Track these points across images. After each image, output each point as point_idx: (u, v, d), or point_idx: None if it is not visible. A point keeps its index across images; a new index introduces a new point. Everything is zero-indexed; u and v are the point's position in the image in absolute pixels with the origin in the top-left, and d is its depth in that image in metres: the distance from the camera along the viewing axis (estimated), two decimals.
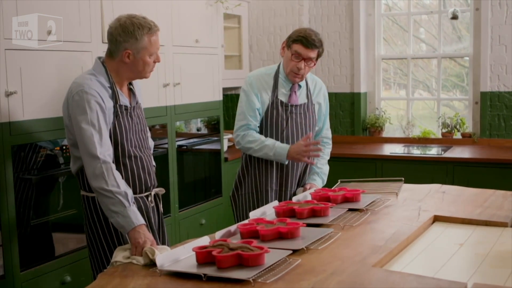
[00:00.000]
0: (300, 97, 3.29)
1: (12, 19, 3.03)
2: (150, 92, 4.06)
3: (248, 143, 3.21)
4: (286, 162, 3.21)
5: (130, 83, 2.75)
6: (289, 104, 3.24)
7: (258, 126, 3.26)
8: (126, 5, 3.69)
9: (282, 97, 3.24)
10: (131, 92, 2.74)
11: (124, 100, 2.65)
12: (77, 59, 3.43)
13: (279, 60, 3.33)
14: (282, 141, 3.22)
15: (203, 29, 4.75)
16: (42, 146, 3.28)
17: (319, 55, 3.18)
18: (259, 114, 3.24)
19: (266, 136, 3.24)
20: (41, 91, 3.23)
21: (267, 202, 3.18)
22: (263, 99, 3.23)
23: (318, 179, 3.35)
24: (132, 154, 2.66)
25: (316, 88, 3.38)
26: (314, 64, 3.20)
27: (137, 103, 2.74)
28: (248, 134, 3.22)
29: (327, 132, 3.49)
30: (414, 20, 6.21)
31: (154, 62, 2.66)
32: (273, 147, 3.15)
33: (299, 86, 3.29)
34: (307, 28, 3.23)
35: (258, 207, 3.15)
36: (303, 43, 3.11)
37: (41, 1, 3.19)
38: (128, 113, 2.65)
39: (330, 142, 3.51)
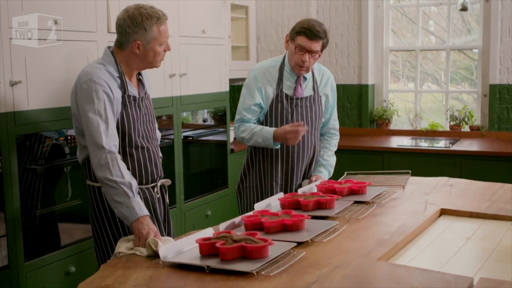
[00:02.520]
0: (306, 90, 3.24)
1: (17, 9, 3.01)
2: (156, 83, 4.04)
3: (241, 133, 3.20)
4: (277, 146, 3.15)
5: (139, 74, 2.73)
6: (294, 97, 3.20)
7: (258, 120, 3.23)
8: None
9: (287, 90, 3.20)
10: (140, 82, 2.73)
11: (132, 90, 2.64)
12: (82, 49, 3.41)
13: (286, 52, 3.28)
14: None
15: (210, 20, 4.72)
16: (47, 136, 3.27)
17: (324, 46, 3.11)
18: (261, 108, 3.20)
19: None
20: (46, 81, 3.21)
21: (272, 196, 3.15)
22: (267, 92, 3.19)
23: (325, 171, 3.32)
24: (139, 145, 2.65)
25: (323, 79, 3.33)
26: (319, 56, 3.13)
27: (145, 93, 2.73)
28: (242, 125, 3.21)
29: (335, 123, 3.45)
30: (423, 12, 6.16)
31: (165, 51, 2.64)
32: (261, 133, 3.12)
33: (305, 78, 3.24)
34: (310, 19, 3.15)
35: (262, 200, 3.13)
36: (307, 35, 3.04)
37: None
38: (136, 104, 2.64)
39: (337, 133, 3.47)
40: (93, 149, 2.46)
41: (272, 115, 3.20)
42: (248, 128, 3.17)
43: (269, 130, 3.10)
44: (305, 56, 3.08)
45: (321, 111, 3.30)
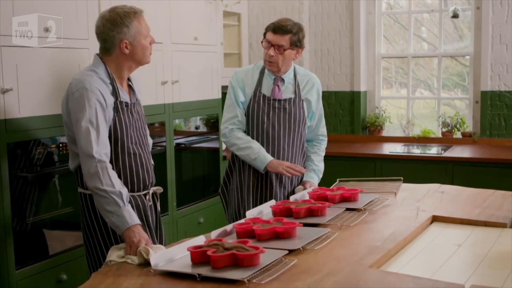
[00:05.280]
0: (285, 92, 3.25)
1: (9, 16, 3.01)
2: (148, 90, 4.03)
3: (235, 139, 3.20)
4: (262, 172, 3.18)
5: (129, 80, 2.73)
6: (272, 98, 3.22)
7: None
8: (124, 2, 3.65)
9: (265, 90, 3.23)
10: (130, 88, 2.73)
11: (124, 96, 2.63)
12: (74, 56, 3.41)
13: None
14: (262, 134, 3.20)
15: (202, 27, 4.72)
16: (38, 144, 3.26)
17: (293, 43, 3.14)
18: (244, 108, 3.24)
19: (248, 129, 3.23)
20: (38, 88, 3.20)
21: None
22: (247, 92, 3.23)
23: (315, 176, 3.33)
24: (132, 151, 2.64)
25: (308, 84, 3.31)
26: (285, 50, 3.14)
27: (136, 100, 2.73)
28: (237, 130, 3.22)
29: (323, 130, 3.45)
30: (415, 19, 6.18)
31: (150, 43, 2.66)
32: (258, 152, 3.14)
33: (283, 80, 3.25)
34: (285, 18, 3.25)
35: (250, 200, 3.16)
36: (272, 29, 3.14)
37: None
38: (129, 110, 2.63)
39: (326, 139, 3.48)
40: (84, 158, 2.45)
41: (248, 115, 3.22)
42: (245, 138, 3.18)
43: (267, 156, 3.14)
44: (271, 50, 3.14)
45: (302, 115, 3.28)
